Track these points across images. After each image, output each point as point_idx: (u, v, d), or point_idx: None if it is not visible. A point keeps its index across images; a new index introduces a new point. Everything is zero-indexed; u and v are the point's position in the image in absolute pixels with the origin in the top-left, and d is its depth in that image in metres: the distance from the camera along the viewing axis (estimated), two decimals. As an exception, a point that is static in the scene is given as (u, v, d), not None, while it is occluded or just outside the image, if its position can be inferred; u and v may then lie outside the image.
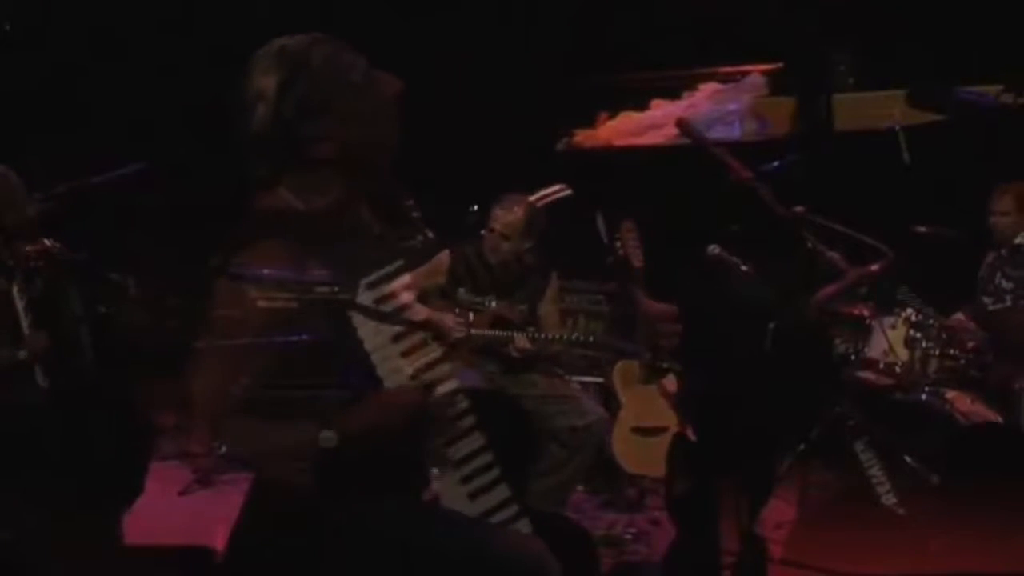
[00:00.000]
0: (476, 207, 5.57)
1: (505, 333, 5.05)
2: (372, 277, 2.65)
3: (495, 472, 2.75)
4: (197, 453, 6.08)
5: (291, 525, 2.65)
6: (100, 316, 5.23)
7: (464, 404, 2.75)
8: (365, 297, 2.63)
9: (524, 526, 2.76)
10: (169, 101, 7.47)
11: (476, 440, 2.75)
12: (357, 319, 2.62)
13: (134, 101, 7.47)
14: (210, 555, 4.09)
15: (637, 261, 5.33)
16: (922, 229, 5.66)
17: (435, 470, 2.73)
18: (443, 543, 2.66)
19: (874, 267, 5.43)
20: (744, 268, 4.90)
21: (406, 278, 2.71)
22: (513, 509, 2.75)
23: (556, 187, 5.64)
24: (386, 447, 2.63)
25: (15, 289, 4.55)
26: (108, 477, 4.42)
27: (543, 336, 5.15)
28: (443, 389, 2.71)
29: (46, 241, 4.71)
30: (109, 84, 7.53)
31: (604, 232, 5.78)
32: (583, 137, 7.62)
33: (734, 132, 7.38)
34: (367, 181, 2.74)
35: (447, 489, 2.71)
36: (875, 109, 6.95)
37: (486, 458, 2.75)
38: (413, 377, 2.67)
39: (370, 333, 2.64)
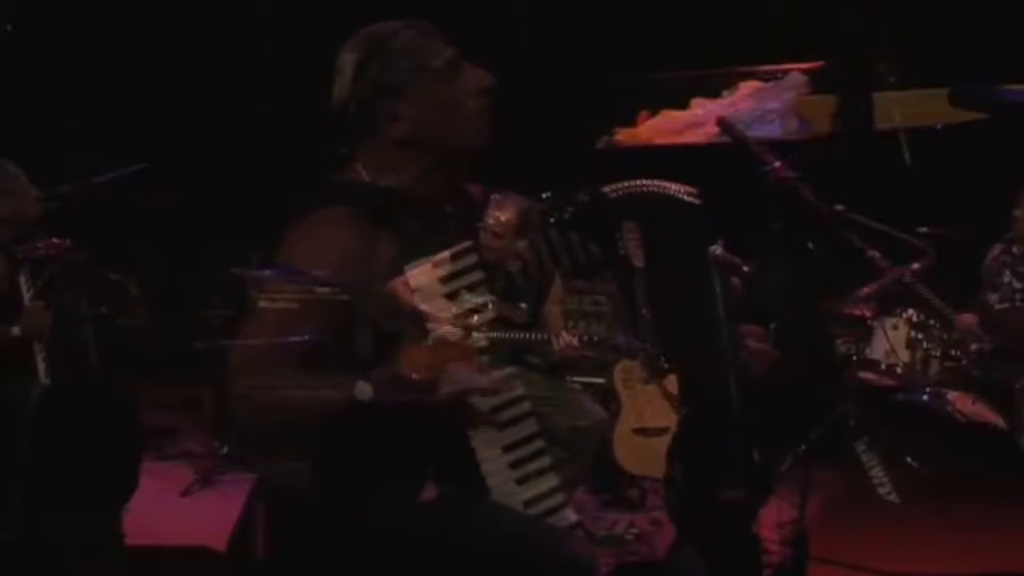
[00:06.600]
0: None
1: (537, 336, 5.00)
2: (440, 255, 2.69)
3: (546, 460, 2.75)
4: (197, 453, 6.08)
5: (292, 525, 2.65)
6: (101, 316, 5.24)
7: (520, 389, 2.75)
8: (430, 274, 2.68)
9: (567, 516, 2.77)
10: (170, 101, 7.48)
11: (530, 426, 2.76)
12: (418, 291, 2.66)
13: (135, 101, 7.47)
14: (210, 555, 4.09)
15: (638, 261, 5.31)
16: (924, 230, 5.65)
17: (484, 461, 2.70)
18: (473, 537, 2.63)
19: (915, 266, 5.44)
20: (746, 269, 4.88)
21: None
22: (559, 498, 2.75)
23: None
24: (422, 410, 2.55)
25: (22, 280, 4.56)
26: (107, 476, 4.42)
27: (544, 335, 5.13)
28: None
29: (55, 239, 4.71)
30: (110, 84, 7.54)
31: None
32: (624, 135, 7.59)
33: (775, 131, 7.32)
34: (443, 166, 2.75)
35: (495, 471, 2.70)
36: (917, 108, 6.88)
37: (538, 445, 2.75)
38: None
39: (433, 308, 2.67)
